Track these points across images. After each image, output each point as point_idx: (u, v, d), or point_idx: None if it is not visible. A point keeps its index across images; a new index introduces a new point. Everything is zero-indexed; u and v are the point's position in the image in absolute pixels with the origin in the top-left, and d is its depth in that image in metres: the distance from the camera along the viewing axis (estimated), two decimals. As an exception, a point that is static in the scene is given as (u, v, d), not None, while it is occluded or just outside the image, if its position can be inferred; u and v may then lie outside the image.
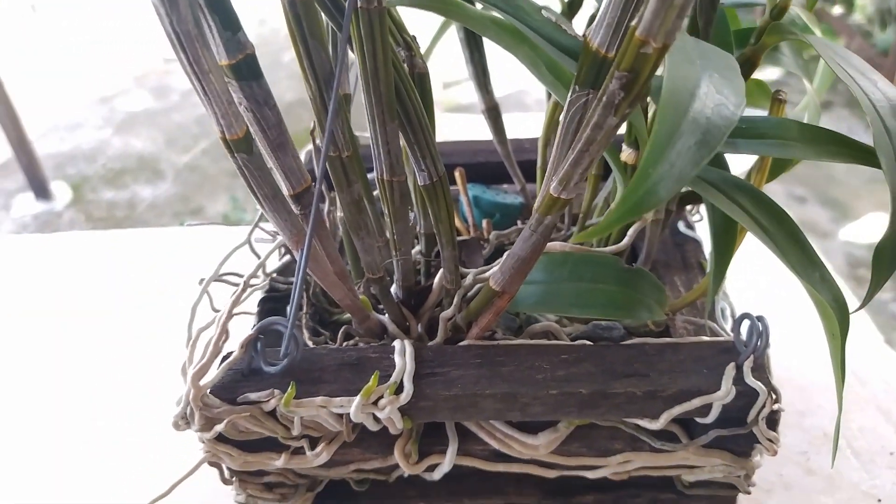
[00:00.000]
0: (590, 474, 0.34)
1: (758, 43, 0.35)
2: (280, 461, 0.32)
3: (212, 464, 0.33)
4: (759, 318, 0.31)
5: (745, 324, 0.32)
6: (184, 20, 0.23)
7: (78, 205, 2.01)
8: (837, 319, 0.27)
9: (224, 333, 0.31)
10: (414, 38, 0.32)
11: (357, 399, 0.30)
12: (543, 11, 0.29)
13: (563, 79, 0.31)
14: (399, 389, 0.31)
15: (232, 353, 0.32)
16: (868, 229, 1.82)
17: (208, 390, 0.31)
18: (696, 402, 0.30)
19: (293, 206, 0.29)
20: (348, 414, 0.31)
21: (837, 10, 3.01)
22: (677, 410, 0.31)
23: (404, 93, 0.29)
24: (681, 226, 0.44)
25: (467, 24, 0.29)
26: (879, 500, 0.45)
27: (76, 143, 2.24)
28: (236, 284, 0.38)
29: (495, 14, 0.29)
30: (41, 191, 2.04)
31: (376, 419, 0.31)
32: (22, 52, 2.49)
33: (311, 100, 0.28)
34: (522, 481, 0.36)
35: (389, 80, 0.28)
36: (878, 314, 1.53)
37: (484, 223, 0.44)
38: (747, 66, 0.35)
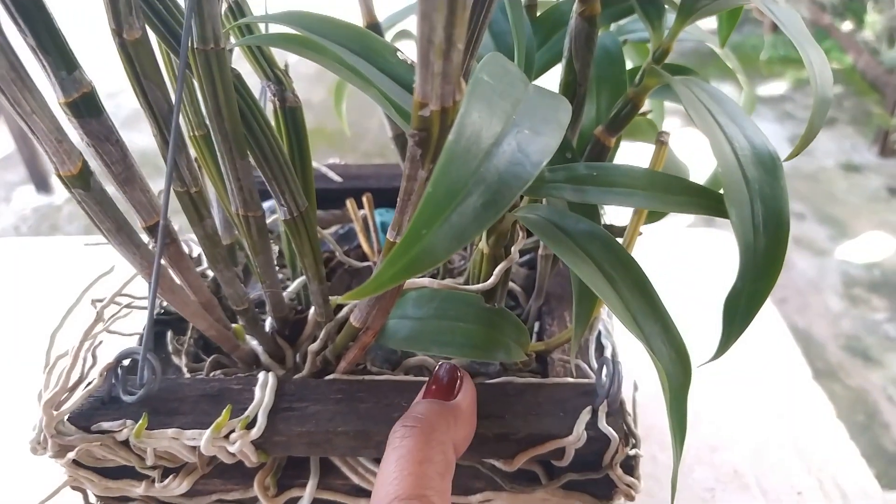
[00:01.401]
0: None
1: (640, 84, 0.35)
2: (140, 489, 0.32)
3: (74, 488, 0.33)
4: (615, 363, 0.31)
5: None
6: (7, 65, 0.23)
7: None
8: (677, 374, 0.27)
9: (76, 361, 0.31)
10: (285, 71, 0.32)
11: (207, 433, 0.30)
12: (399, 53, 0.29)
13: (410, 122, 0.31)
14: (252, 424, 0.31)
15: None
16: (865, 248, 1.83)
17: (66, 417, 0.31)
18: (548, 447, 0.30)
19: (148, 238, 0.30)
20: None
21: (847, 26, 2.99)
22: (529, 454, 0.31)
23: (257, 129, 0.29)
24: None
25: (321, 63, 0.30)
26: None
27: (78, 137, 2.22)
28: (130, 307, 0.38)
29: (346, 54, 0.29)
30: (42, 184, 2.06)
31: (231, 452, 0.31)
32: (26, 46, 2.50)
33: (154, 137, 0.28)
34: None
35: (234, 119, 0.28)
36: (871, 334, 1.54)
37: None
38: (629, 107, 0.35)
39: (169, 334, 0.37)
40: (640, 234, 0.43)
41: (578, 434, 0.30)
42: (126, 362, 0.32)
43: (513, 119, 0.23)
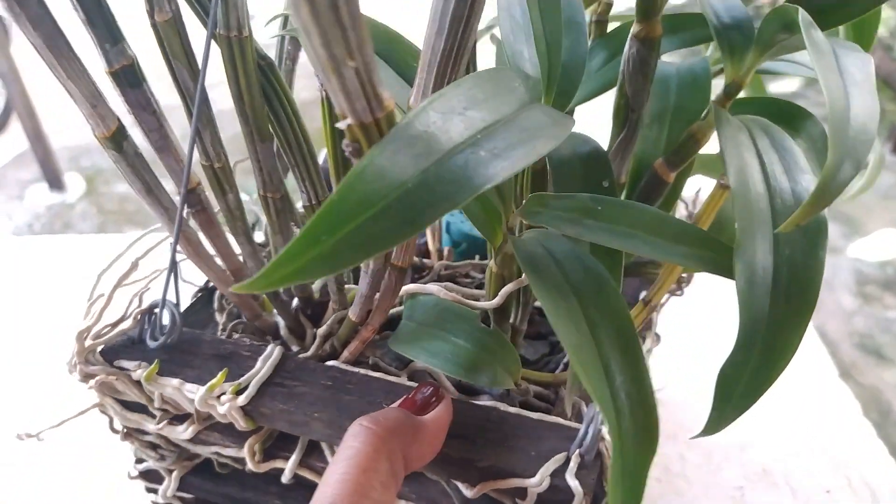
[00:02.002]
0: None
1: (705, 119, 0.31)
2: (152, 426, 0.36)
3: (102, 412, 0.37)
4: (593, 415, 0.29)
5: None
6: (45, 35, 0.26)
7: (90, 197, 1.99)
8: (634, 451, 0.24)
9: (109, 303, 0.35)
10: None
11: (202, 391, 0.32)
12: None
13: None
14: (243, 391, 0.32)
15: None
16: (878, 246, 1.77)
17: (99, 348, 0.35)
18: (508, 484, 0.29)
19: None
20: (200, 400, 0.33)
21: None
22: (489, 486, 0.29)
23: (283, 116, 0.30)
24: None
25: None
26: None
27: (91, 136, 2.22)
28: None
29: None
30: (55, 182, 2.02)
31: (221, 413, 0.33)
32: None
33: (185, 114, 0.31)
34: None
35: (255, 103, 0.29)
36: (884, 332, 1.48)
37: (445, 251, 0.44)
38: (691, 143, 0.32)
39: (217, 293, 0.40)
40: (678, 292, 0.39)
41: (542, 479, 0.28)
42: (169, 310, 0.35)
43: (476, 138, 0.22)
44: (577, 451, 0.29)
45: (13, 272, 0.72)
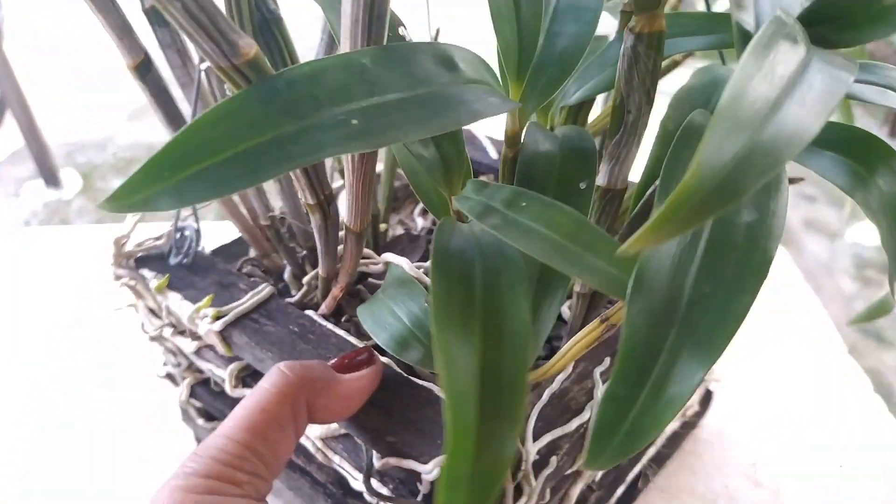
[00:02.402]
0: (351, 481, 0.34)
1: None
2: (169, 333, 0.40)
3: (135, 311, 0.42)
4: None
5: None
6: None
7: (87, 193, 1.94)
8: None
9: (138, 221, 0.39)
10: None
11: (190, 309, 0.36)
12: (401, 29, 0.29)
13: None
14: (222, 318, 0.35)
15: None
16: (877, 230, 1.39)
17: (136, 256, 0.40)
18: (403, 464, 0.29)
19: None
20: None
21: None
22: (392, 462, 0.29)
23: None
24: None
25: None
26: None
27: (87, 132, 2.12)
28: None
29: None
30: (51, 178, 1.97)
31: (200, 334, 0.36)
32: (33, 40, 2.26)
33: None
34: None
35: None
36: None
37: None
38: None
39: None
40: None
41: (433, 468, 0.28)
42: (188, 233, 0.39)
43: (361, 105, 0.22)
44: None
45: (12, 268, 0.71)
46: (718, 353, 0.21)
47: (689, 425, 0.49)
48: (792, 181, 0.34)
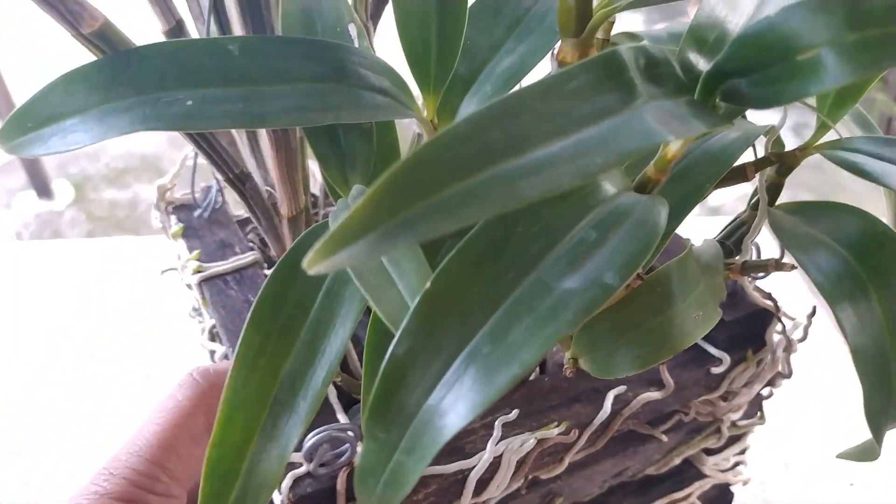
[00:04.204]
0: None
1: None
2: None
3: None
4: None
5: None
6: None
7: (79, 204, 1.91)
8: None
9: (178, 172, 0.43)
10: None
11: (186, 259, 0.39)
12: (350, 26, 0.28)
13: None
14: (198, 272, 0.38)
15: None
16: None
17: (175, 203, 0.44)
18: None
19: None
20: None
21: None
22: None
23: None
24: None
25: None
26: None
27: None
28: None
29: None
30: (43, 189, 1.93)
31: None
32: (24, 48, 2.12)
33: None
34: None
35: None
36: None
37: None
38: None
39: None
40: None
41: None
42: (212, 191, 0.43)
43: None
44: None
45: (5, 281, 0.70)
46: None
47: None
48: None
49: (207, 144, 0.29)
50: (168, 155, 1.88)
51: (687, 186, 0.26)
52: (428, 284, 0.18)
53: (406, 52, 0.25)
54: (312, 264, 0.12)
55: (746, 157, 0.28)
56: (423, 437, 0.18)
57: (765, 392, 0.39)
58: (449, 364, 0.18)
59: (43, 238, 1.79)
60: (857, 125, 0.31)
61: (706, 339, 0.35)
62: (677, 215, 0.26)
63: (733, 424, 0.39)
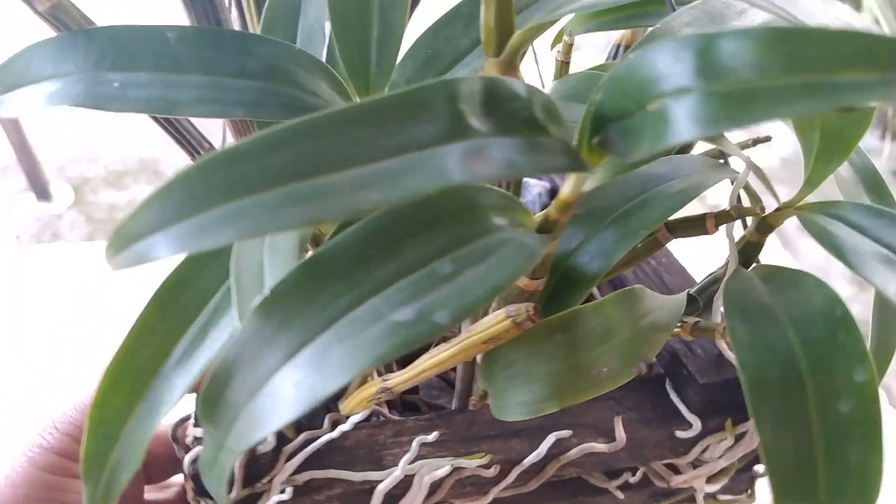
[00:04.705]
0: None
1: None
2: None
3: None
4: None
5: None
6: None
7: (79, 206, 1.88)
8: None
9: None
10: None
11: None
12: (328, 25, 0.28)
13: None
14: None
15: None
16: None
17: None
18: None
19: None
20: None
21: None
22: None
23: None
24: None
25: None
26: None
27: (78, 145, 2.03)
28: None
29: None
30: (42, 192, 1.90)
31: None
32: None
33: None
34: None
35: None
36: None
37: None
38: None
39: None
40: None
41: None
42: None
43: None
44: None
45: (6, 282, 0.69)
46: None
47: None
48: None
49: (176, 131, 0.30)
50: (166, 157, 1.86)
51: (623, 230, 0.24)
52: (266, 292, 0.18)
53: (343, 59, 0.25)
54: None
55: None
56: (240, 437, 0.18)
57: (760, 469, 0.36)
58: (271, 374, 0.18)
59: (43, 240, 1.76)
60: (865, 187, 0.27)
61: (681, 398, 0.32)
62: (607, 256, 0.24)
63: (712, 497, 0.36)
